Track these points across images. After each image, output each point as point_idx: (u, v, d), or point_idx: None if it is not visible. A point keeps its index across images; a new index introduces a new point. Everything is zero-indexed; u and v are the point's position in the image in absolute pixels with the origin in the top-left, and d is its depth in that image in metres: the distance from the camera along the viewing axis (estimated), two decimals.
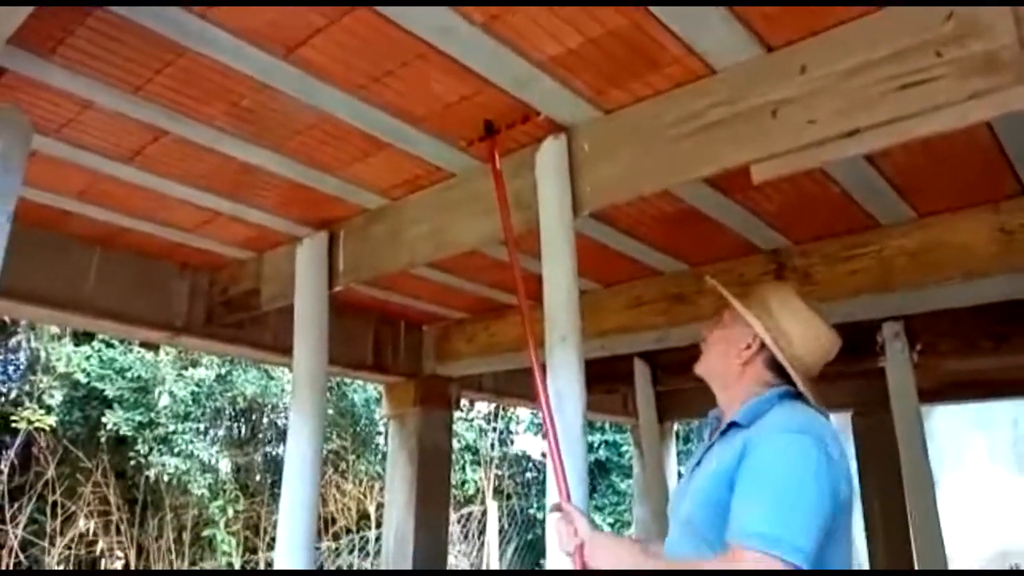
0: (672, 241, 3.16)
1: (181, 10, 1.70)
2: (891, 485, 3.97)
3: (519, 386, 5.12)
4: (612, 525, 11.16)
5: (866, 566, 5.16)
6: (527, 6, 1.68)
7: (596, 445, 11.46)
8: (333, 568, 9.11)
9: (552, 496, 1.83)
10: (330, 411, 9.42)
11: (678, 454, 6.38)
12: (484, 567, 10.15)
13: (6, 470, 7.29)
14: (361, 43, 1.83)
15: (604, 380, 5.33)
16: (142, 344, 8.00)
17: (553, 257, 2.09)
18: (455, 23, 1.72)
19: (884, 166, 2.42)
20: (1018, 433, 8.04)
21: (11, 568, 7.16)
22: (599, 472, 11.53)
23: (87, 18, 1.73)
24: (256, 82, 2.00)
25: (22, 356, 8.06)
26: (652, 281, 3.57)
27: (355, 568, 9.14)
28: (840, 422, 6.06)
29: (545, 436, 1.92)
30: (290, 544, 2.70)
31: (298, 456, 2.79)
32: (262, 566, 8.43)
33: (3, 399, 7.70)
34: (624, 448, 11.09)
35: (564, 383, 1.98)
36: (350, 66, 1.93)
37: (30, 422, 7.33)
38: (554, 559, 1.84)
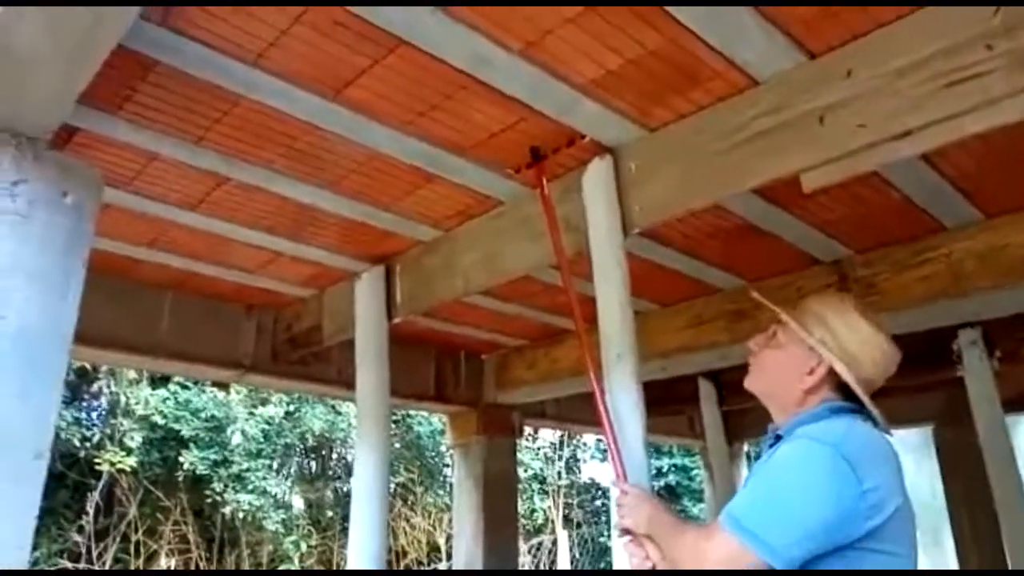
0: (729, 257, 3.12)
1: (232, 60, 1.78)
2: (980, 499, 3.77)
3: (583, 412, 5.08)
4: None
5: None
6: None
7: (666, 470, 11.25)
8: None
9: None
10: (396, 444, 9.52)
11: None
12: None
13: (91, 512, 7.59)
14: (405, 80, 1.88)
15: (669, 402, 5.25)
16: (214, 384, 8.27)
17: (605, 277, 2.09)
18: (493, 53, 1.76)
19: (945, 168, 2.34)
20: None
21: None
22: (670, 497, 11.28)
23: (149, 74, 1.83)
24: (309, 124, 2.08)
25: (103, 400, 8.42)
26: (711, 299, 3.53)
27: None
28: (921, 436, 5.80)
29: (607, 452, 1.92)
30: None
31: (365, 488, 2.82)
32: None
33: (88, 443, 8.03)
34: (695, 472, 10.84)
35: (623, 402, 1.96)
36: (396, 103, 1.99)
37: (112, 464, 7.62)
38: None
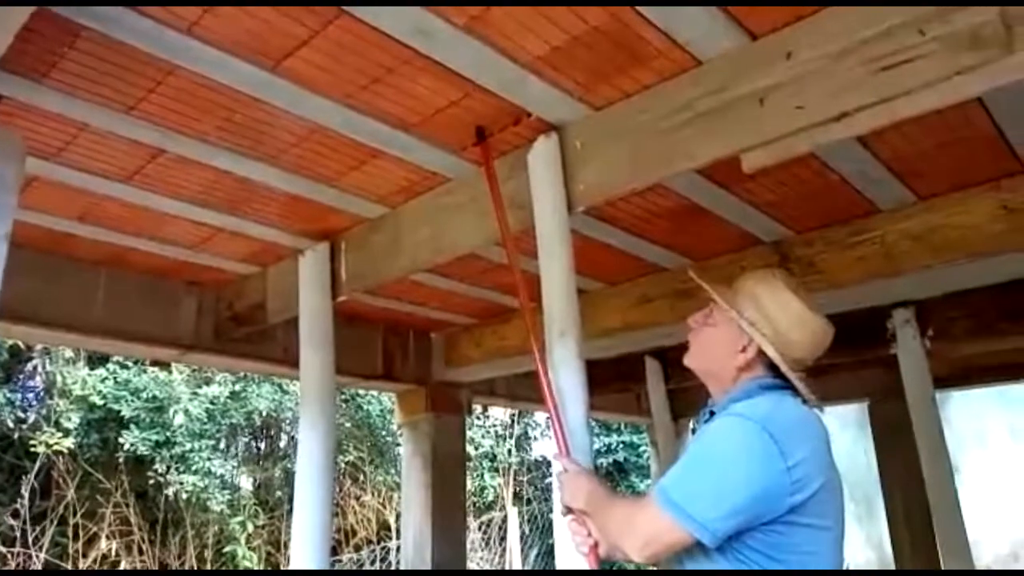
0: (674, 237, 3.15)
1: (165, 27, 1.71)
2: (912, 473, 3.93)
3: (532, 390, 5.10)
4: None
5: (889, 553, 5.12)
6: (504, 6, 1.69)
7: (614, 446, 11.42)
8: None
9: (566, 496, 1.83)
10: (347, 424, 9.45)
11: None
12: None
13: (27, 495, 7.36)
14: (346, 52, 1.84)
15: (617, 380, 5.31)
16: (154, 363, 8.06)
17: (549, 255, 2.09)
18: (436, 26, 1.73)
19: (881, 151, 2.40)
20: None
21: None
22: (618, 474, 11.48)
23: (76, 40, 1.75)
24: (247, 96, 2.02)
25: (38, 380, 8.14)
26: (657, 278, 3.57)
27: None
28: (859, 412, 6.01)
29: (551, 425, 1.94)
30: (305, 553, 2.70)
31: (310, 468, 2.79)
32: None
33: (23, 425, 7.76)
34: (642, 448, 11.04)
35: (565, 379, 1.98)
36: (338, 75, 1.94)
37: (48, 446, 7.39)
38: (565, 561, 1.86)
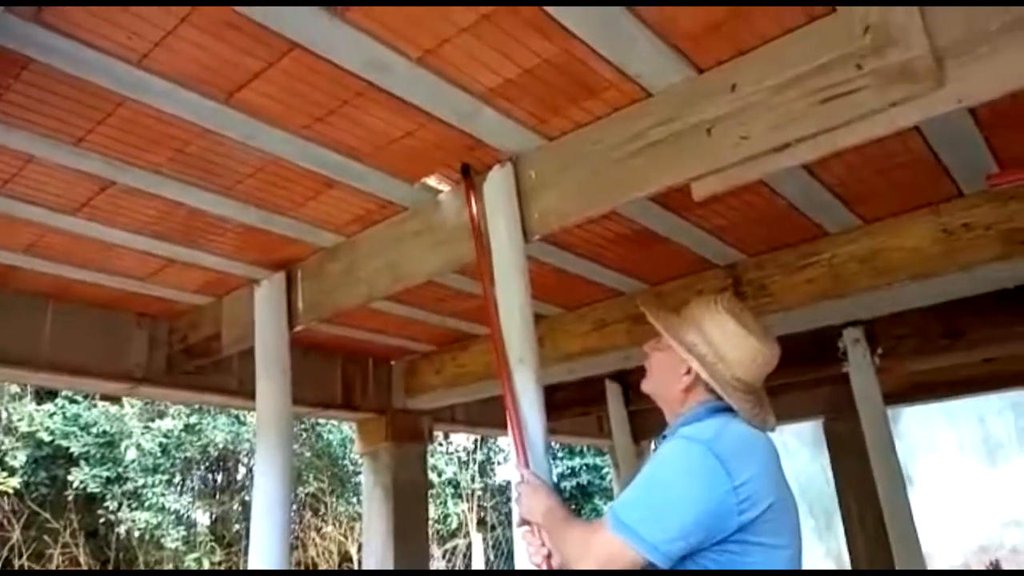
0: (630, 263, 3.20)
1: (114, 60, 1.70)
2: (866, 487, 4.03)
3: (493, 416, 5.10)
4: None
5: (848, 565, 5.20)
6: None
7: (577, 469, 11.43)
8: None
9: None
10: (307, 453, 9.29)
11: None
12: None
13: None
14: (300, 84, 1.84)
15: (579, 403, 5.34)
16: (105, 398, 7.84)
17: (506, 283, 2.10)
18: (390, 59, 1.75)
19: (825, 178, 2.48)
20: (986, 430, 8.19)
21: None
22: (582, 496, 11.48)
23: (22, 72, 1.72)
24: (199, 128, 2.00)
25: None
26: (614, 303, 3.61)
27: None
28: (816, 430, 6.12)
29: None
30: None
31: (266, 501, 2.74)
32: None
33: None
34: (605, 471, 11.07)
35: (525, 405, 1.98)
36: (292, 107, 1.94)
37: None
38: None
